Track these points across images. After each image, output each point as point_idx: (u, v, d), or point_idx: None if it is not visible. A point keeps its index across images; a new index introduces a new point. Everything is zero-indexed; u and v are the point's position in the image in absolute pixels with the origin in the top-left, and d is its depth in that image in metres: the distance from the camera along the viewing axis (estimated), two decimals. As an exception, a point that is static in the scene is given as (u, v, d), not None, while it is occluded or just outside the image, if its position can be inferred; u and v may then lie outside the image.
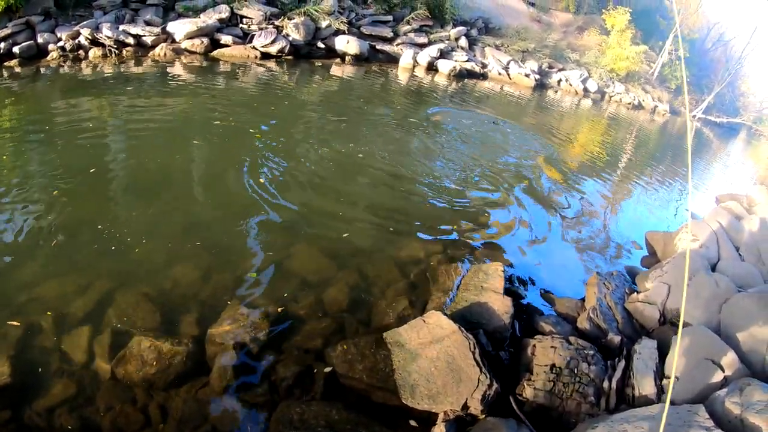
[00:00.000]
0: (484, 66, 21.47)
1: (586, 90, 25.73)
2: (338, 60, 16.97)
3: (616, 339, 4.48)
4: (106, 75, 11.38)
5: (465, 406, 3.45)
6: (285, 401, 3.47)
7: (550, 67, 25.35)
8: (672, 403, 3.63)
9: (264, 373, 3.73)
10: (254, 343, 3.91)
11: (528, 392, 3.75)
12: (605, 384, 3.88)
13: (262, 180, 6.70)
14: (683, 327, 4.67)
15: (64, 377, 3.56)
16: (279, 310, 4.35)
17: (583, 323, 4.66)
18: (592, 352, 4.06)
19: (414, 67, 18.82)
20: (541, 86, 23.25)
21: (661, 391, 3.91)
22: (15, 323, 3.82)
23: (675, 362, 3.75)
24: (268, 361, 3.82)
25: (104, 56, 12.49)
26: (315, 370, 3.78)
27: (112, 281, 4.45)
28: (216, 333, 3.94)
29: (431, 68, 19.22)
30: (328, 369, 3.79)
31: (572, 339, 4.15)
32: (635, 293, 5.36)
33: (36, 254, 4.69)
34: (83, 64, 11.93)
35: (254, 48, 14.95)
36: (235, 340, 3.88)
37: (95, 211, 5.50)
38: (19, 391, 3.40)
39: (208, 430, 3.30)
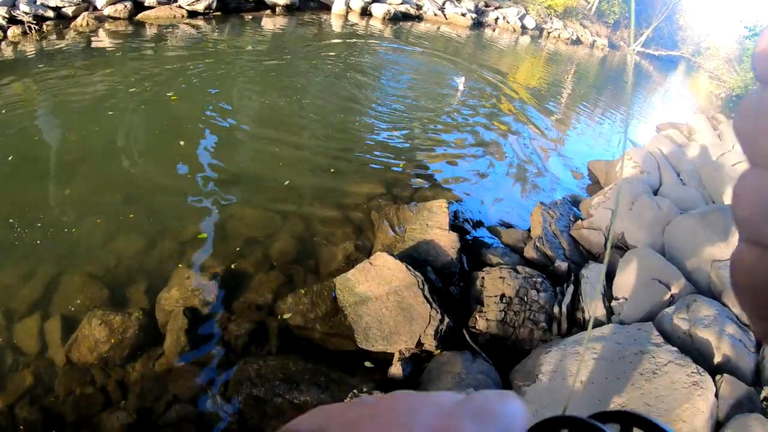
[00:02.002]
0: (419, 8, 21.17)
1: (524, 27, 25.81)
2: (269, 12, 16.37)
3: (564, 265, 4.62)
4: (27, 53, 10.72)
5: (419, 343, 3.54)
6: (242, 359, 3.48)
7: (487, 5, 25.24)
8: (621, 323, 3.82)
9: (218, 333, 3.72)
10: (205, 305, 3.89)
11: (480, 324, 3.86)
12: (555, 309, 4.02)
13: (197, 141, 6.51)
14: (629, 249, 4.88)
15: (20, 370, 3.47)
16: (226, 268, 4.31)
17: (529, 252, 4.79)
18: (540, 279, 4.19)
19: (347, 12, 18.39)
20: (478, 25, 23.15)
21: (611, 312, 4.09)
22: None
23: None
24: (220, 321, 3.81)
25: (24, 34, 11.74)
26: (268, 325, 3.80)
27: (54, 266, 4.32)
28: (165, 300, 3.90)
29: (365, 13, 18.82)
30: (280, 322, 3.81)
31: (520, 268, 4.27)
32: (580, 220, 5.51)
33: (-28, 247, 4.51)
34: (2, 45, 11.22)
35: (180, 7, 14.24)
36: (185, 304, 3.84)
37: (27, 196, 5.28)
38: (-26, 393, 3.30)
39: (170, 399, 3.31)
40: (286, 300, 3.90)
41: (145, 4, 13.91)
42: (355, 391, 3.09)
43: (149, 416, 3.23)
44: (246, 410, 3.19)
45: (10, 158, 6.02)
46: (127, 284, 4.13)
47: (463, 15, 22.26)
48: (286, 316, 3.83)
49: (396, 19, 19.23)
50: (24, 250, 4.47)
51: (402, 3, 20.12)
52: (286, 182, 5.77)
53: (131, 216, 4.94)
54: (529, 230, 5.33)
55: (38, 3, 12.17)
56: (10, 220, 4.81)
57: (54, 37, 11.82)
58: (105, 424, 3.16)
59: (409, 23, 19.58)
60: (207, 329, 3.75)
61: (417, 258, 4.35)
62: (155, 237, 4.69)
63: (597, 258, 5.08)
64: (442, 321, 3.58)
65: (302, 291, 3.98)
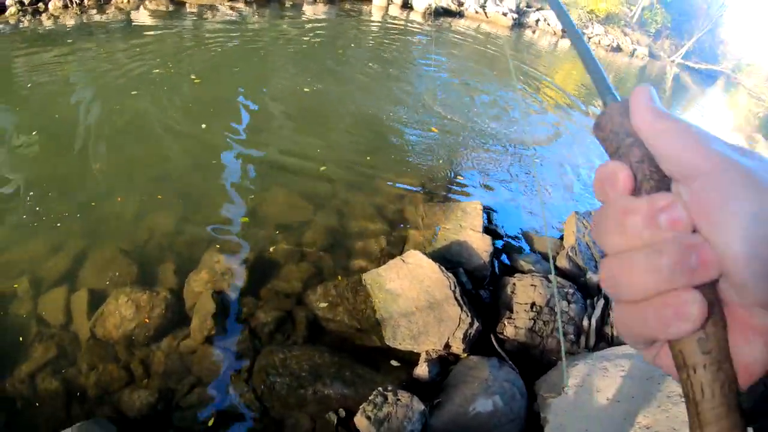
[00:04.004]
0: (460, 4, 20.97)
1: (564, 31, 25.43)
2: (309, -1, 16.41)
3: (595, 278, 4.52)
4: (68, 27, 10.88)
5: (447, 346, 3.48)
6: (267, 347, 3.47)
7: (528, 6, 24.91)
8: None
9: (245, 319, 3.71)
10: (233, 289, 3.88)
11: (509, 330, 3.79)
12: (585, 322, 3.93)
13: (233, 124, 6.54)
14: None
15: (44, 341, 3.49)
16: (256, 254, 4.30)
17: (562, 262, 4.69)
18: (571, 290, 4.10)
19: (388, 5, 18.30)
20: (518, 25, 22.85)
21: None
22: None
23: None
24: (248, 307, 3.80)
25: (65, 7, 11.90)
26: (296, 315, 3.78)
27: (85, 238, 4.35)
28: (194, 282, 3.90)
29: (406, 6, 18.70)
30: (308, 312, 3.79)
31: (551, 277, 4.18)
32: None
33: (5, 216, 4.55)
34: (43, 17, 11.38)
35: (221, -11, 14.35)
36: (214, 287, 3.83)
37: (65, 167, 5.34)
38: (-2, 358, 3.33)
39: (193, 381, 3.30)
40: (316, 291, 3.87)
41: (187, -16, 13.97)
42: (380, 388, 3.03)
43: (171, 397, 3.23)
44: (268, 398, 3.17)
45: (57, 127, 6.12)
46: (157, 263, 4.14)
47: (504, 14, 22.00)
48: (314, 306, 3.80)
49: (437, 14, 19.05)
50: (54, 222, 4.51)
51: (444, -2, 19.97)
52: (322, 168, 5.77)
53: (162, 195, 4.96)
54: (562, 238, 5.22)
55: (80, -23, 12.30)
56: (41, 192, 4.87)
57: (94, 11, 11.96)
58: (126, 400, 3.16)
59: (450, 19, 19.41)
60: (234, 314, 3.74)
61: (449, 258, 4.29)
62: (186, 218, 4.70)
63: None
64: (471, 325, 3.52)
65: (332, 283, 3.95)
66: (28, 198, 4.74)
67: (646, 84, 0.44)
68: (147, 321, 3.54)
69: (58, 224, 4.44)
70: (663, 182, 0.38)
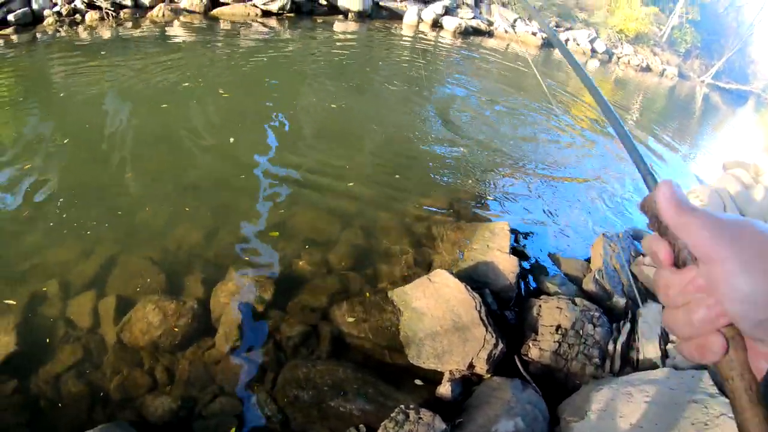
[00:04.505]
0: (490, 24, 21.06)
1: (593, 50, 25.29)
2: (341, 17, 16.57)
3: (622, 302, 4.46)
4: (103, 38, 11.19)
5: (471, 366, 3.45)
6: (291, 361, 3.48)
7: (558, 26, 24.89)
8: (675, 368, 3.64)
9: (270, 332, 3.73)
10: (259, 302, 3.91)
11: (533, 353, 3.75)
12: (610, 346, 3.87)
13: (264, 139, 6.63)
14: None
15: (70, 343, 3.56)
16: (283, 268, 4.33)
17: (588, 285, 4.64)
18: (597, 314, 4.04)
19: (419, 23, 18.45)
20: (548, 45, 22.80)
21: (665, 355, 3.91)
22: (11, 302, 3.80)
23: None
24: (273, 320, 3.82)
25: (101, 19, 12.26)
26: (321, 329, 3.79)
27: (115, 245, 4.44)
28: (221, 293, 3.94)
29: (436, 25, 18.84)
30: (333, 327, 3.79)
31: (578, 300, 4.13)
32: (641, 256, 5.31)
33: (38, 221, 4.66)
34: (80, 29, 11.72)
35: (254, 6, 14.63)
36: (241, 299, 3.87)
37: (96, 175, 5.46)
38: (25, 359, 3.40)
39: (215, 391, 3.32)
40: (341, 306, 3.88)
41: (221, 0, 14.29)
42: (402, 406, 3.02)
43: (193, 405, 3.25)
44: (290, 411, 3.18)
45: (91, 135, 6.27)
46: (185, 273, 4.20)
47: (534, 34, 22.04)
48: (339, 322, 3.80)
49: (467, 33, 19.16)
50: (84, 228, 4.62)
51: (473, 18, 20.06)
52: (350, 184, 5.80)
53: (191, 206, 5.05)
54: (589, 261, 5.16)
55: (117, -9, 12.66)
56: (71, 198, 4.99)
57: (129, 24, 12.28)
58: (149, 406, 3.20)
59: (479, 38, 19.48)
60: (259, 326, 3.76)
61: (475, 279, 4.26)
62: (215, 229, 4.77)
63: (656, 297, 4.88)
64: (496, 345, 3.49)
65: (358, 299, 3.95)
66: (59, 204, 4.87)
67: (668, 179, 0.59)
68: (174, 329, 3.59)
69: (88, 232, 4.54)
70: (691, 255, 0.55)
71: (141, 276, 4.11)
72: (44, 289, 3.92)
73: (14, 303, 3.76)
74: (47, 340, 3.56)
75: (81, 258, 4.29)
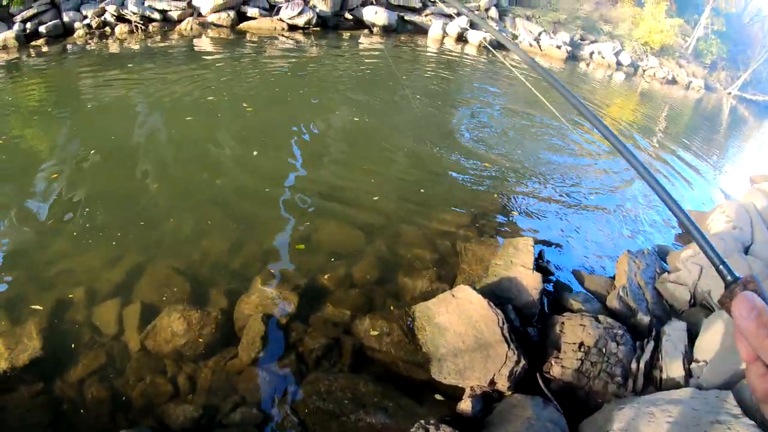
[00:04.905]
0: (514, 37, 21.07)
1: (618, 63, 25.06)
2: (366, 31, 16.74)
3: (646, 319, 4.40)
4: (132, 50, 11.45)
5: (492, 382, 3.43)
6: (313, 373, 3.50)
7: (582, 39, 24.73)
8: (699, 387, 3.57)
9: (292, 344, 3.75)
10: (283, 314, 3.94)
11: (555, 370, 3.71)
12: (633, 365, 3.81)
13: (288, 152, 6.70)
14: (715, 310, 4.58)
15: (95, 349, 3.62)
16: (307, 281, 4.35)
17: (612, 302, 4.58)
18: (621, 331, 3.99)
19: (443, 37, 18.50)
20: (572, 58, 22.70)
21: (689, 374, 3.84)
22: (38, 307, 3.88)
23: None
24: (296, 332, 3.84)
25: (130, 32, 12.56)
26: (343, 343, 3.80)
27: (141, 254, 4.52)
28: (245, 304, 3.98)
29: (461, 39, 18.87)
30: (355, 341, 3.80)
31: (601, 317, 4.08)
32: (666, 273, 5.23)
33: (65, 229, 4.78)
34: (110, 41, 12.01)
35: (281, 20, 14.87)
36: (264, 311, 3.90)
37: (121, 186, 5.58)
38: (50, 362, 3.47)
39: (237, 400, 3.34)
40: (364, 320, 3.89)
41: (248, 14, 14.56)
42: (422, 421, 3.01)
43: (215, 414, 3.27)
44: (310, 423, 3.19)
45: (119, 145, 6.40)
46: (209, 283, 4.26)
47: (558, 47, 21.95)
48: (362, 335, 3.82)
49: (491, 47, 19.12)
50: (111, 237, 4.72)
51: (498, 32, 20.03)
52: (375, 198, 5.84)
53: (216, 218, 5.13)
54: (613, 278, 5.09)
55: (146, 5, 12.98)
56: (98, 207, 5.10)
57: (158, 38, 12.54)
58: (170, 413, 3.23)
59: (504, 52, 19.44)
60: (282, 338, 3.79)
61: (498, 294, 4.24)
62: (240, 241, 4.83)
63: (680, 315, 4.80)
64: (518, 363, 3.47)
65: (381, 313, 3.96)
66: (85, 213, 4.98)
67: (746, 293, 0.65)
68: (197, 338, 3.63)
69: (114, 242, 4.64)
70: None
71: (166, 285, 4.18)
72: (70, 295, 4.00)
73: (41, 308, 3.85)
74: (72, 345, 3.63)
75: (107, 266, 4.38)
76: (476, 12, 19.97)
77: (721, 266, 0.73)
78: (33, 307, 3.86)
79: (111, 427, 3.16)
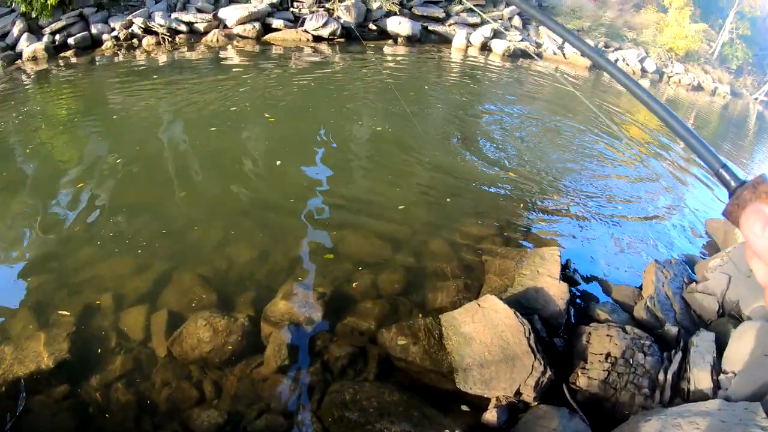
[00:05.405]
0: (538, 45, 20.92)
1: (643, 70, 24.74)
2: (390, 41, 16.77)
3: (674, 330, 4.33)
4: (159, 62, 11.68)
5: (518, 393, 3.41)
6: (338, 381, 3.51)
7: (607, 46, 24.46)
8: (727, 399, 3.51)
9: (318, 352, 3.77)
10: (309, 322, 3.97)
11: (582, 381, 3.68)
12: (660, 376, 3.76)
13: (312, 162, 6.75)
14: (743, 320, 4.50)
15: (122, 354, 3.69)
16: (333, 289, 4.37)
17: (639, 312, 4.52)
18: (648, 342, 3.94)
19: (467, 47, 18.46)
20: (596, 66, 22.45)
21: (717, 386, 3.78)
22: (65, 312, 3.97)
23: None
24: (322, 340, 3.87)
25: (157, 44, 12.79)
26: (369, 351, 3.81)
27: (168, 261, 4.60)
28: (271, 312, 4.01)
29: (485, 48, 18.81)
30: (380, 350, 3.81)
31: (628, 328, 4.04)
32: (694, 283, 5.15)
33: (92, 236, 4.89)
34: (137, 52, 12.26)
35: (306, 31, 15.00)
36: (290, 319, 3.94)
37: (148, 193, 5.69)
38: (76, 366, 3.54)
39: (262, 407, 3.37)
40: (390, 329, 3.88)
41: (273, 26, 14.73)
42: (447, 431, 3.01)
43: (239, 420, 3.30)
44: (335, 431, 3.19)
45: (147, 154, 6.53)
46: (236, 291, 4.30)
47: (583, 55, 21.76)
48: (388, 345, 3.81)
49: (515, 55, 19.06)
50: (138, 245, 4.80)
51: (521, 40, 19.97)
52: (401, 207, 5.85)
53: (241, 227, 5.20)
54: (640, 288, 5.02)
55: (172, 17, 13.22)
56: (126, 216, 5.21)
57: (185, 49, 12.75)
58: (195, 419, 3.27)
59: (528, 61, 19.39)
60: (308, 346, 3.81)
61: (525, 304, 4.22)
62: (266, 249, 4.89)
63: (708, 325, 4.72)
64: (544, 373, 3.44)
65: (406, 323, 3.95)
66: (112, 221, 5.09)
67: (759, 205, 0.56)
68: (225, 346, 3.67)
69: (139, 250, 4.73)
70: None
71: (192, 292, 4.23)
72: (98, 301, 4.09)
73: (68, 314, 3.93)
74: (99, 350, 3.70)
75: (134, 273, 4.46)
76: (499, 21, 19.93)
77: (721, 170, 0.62)
78: (61, 312, 3.95)
79: (136, 431, 3.21)
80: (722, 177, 0.63)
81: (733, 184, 0.61)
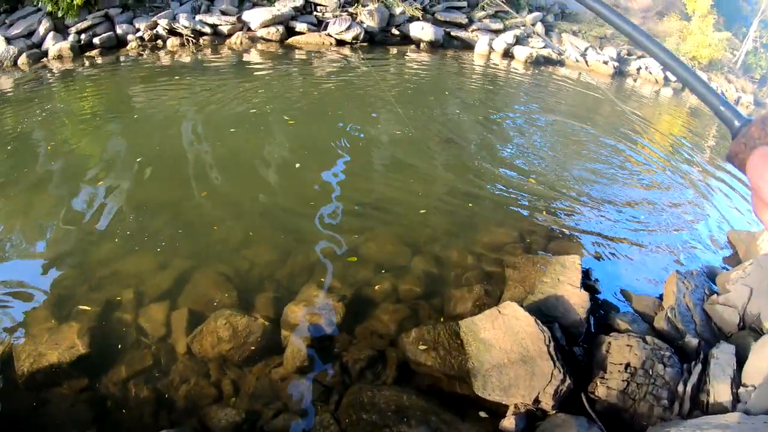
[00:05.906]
0: (561, 53, 20.78)
1: (666, 78, 24.41)
2: (413, 47, 16.75)
3: (694, 342, 4.29)
4: (183, 63, 11.81)
5: (536, 401, 3.40)
6: (356, 384, 3.53)
7: (629, 54, 24.26)
8: (747, 412, 3.47)
9: (337, 354, 3.79)
10: (328, 324, 3.98)
11: (600, 391, 3.65)
12: (680, 388, 3.73)
13: (332, 164, 6.78)
14: (765, 333, 4.44)
15: (141, 350, 3.75)
16: (353, 292, 4.39)
17: (660, 323, 4.48)
18: (668, 353, 3.91)
19: (490, 53, 18.41)
20: (619, 74, 22.26)
21: (737, 399, 3.74)
22: (86, 307, 4.03)
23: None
24: (341, 343, 3.89)
25: (182, 45, 12.93)
26: (388, 355, 3.82)
27: (190, 260, 4.65)
28: (291, 312, 4.04)
29: (507, 55, 18.73)
30: (400, 354, 3.81)
31: (648, 338, 4.00)
32: (715, 294, 5.10)
33: (113, 232, 4.97)
34: (161, 53, 12.41)
35: (329, 35, 15.04)
36: (310, 321, 3.96)
37: (168, 192, 5.76)
38: (96, 361, 3.60)
39: (279, 407, 3.40)
40: (410, 334, 3.88)
41: (297, 29, 14.80)
42: (464, 437, 3.01)
43: (257, 419, 3.33)
44: (352, 434, 3.20)
45: (170, 154, 6.60)
46: (257, 290, 4.34)
47: (605, 63, 21.56)
48: (407, 349, 3.82)
49: (538, 62, 18.95)
50: (164, 241, 4.87)
51: (544, 47, 19.87)
52: (422, 211, 5.86)
53: (263, 228, 5.26)
54: (661, 298, 4.97)
55: (197, 19, 13.35)
56: (147, 214, 5.28)
57: (208, 51, 12.88)
58: (212, 416, 3.30)
59: (550, 68, 19.27)
60: (327, 348, 3.84)
61: (545, 312, 4.20)
62: (287, 250, 4.92)
63: (729, 338, 4.66)
64: (563, 381, 3.42)
65: (426, 327, 3.95)
66: (132, 218, 5.17)
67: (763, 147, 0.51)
68: (244, 345, 3.70)
69: (158, 249, 4.79)
70: None
71: (213, 291, 4.28)
72: (119, 297, 4.15)
73: (88, 308, 4.00)
74: (119, 345, 3.76)
75: (156, 270, 4.52)
76: (522, 28, 19.86)
77: (722, 107, 0.57)
78: (82, 306, 4.02)
79: (153, 426, 3.26)
80: (723, 116, 0.58)
81: (736, 123, 0.56)
